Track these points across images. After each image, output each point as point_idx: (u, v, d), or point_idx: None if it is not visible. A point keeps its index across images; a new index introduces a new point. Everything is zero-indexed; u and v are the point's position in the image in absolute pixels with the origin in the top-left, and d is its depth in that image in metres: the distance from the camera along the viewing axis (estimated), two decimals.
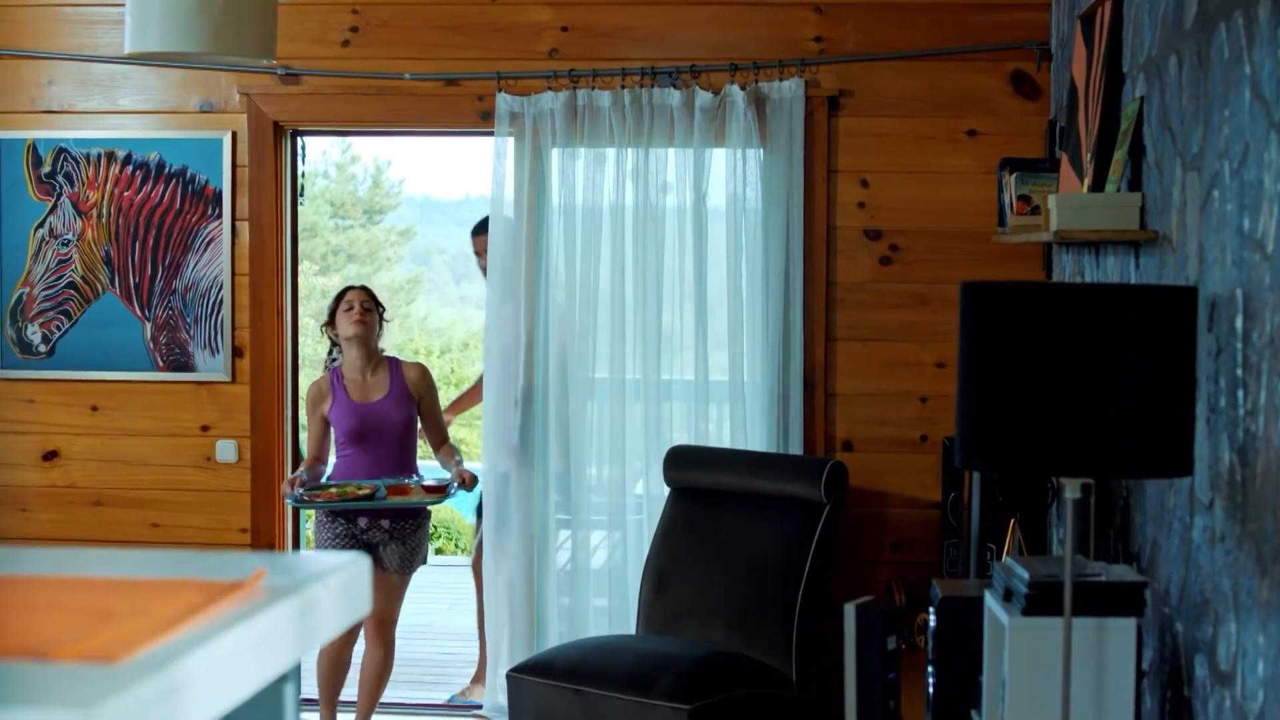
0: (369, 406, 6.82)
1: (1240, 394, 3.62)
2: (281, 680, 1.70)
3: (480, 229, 7.62)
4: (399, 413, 6.84)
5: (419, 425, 7.04)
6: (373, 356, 6.90)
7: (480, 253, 7.59)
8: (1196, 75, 4.06)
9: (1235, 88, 3.68)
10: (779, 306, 6.89)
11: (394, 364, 6.96)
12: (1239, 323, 3.63)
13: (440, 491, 6.76)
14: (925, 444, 6.89)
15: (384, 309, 7.04)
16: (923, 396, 6.90)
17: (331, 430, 6.92)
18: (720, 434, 7.04)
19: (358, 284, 7.17)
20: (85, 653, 1.39)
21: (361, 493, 6.65)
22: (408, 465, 6.93)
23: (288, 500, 6.75)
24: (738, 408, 6.97)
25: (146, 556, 1.90)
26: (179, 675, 1.37)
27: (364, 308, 6.86)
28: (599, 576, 7.19)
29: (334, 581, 1.76)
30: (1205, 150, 3.96)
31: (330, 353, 7.03)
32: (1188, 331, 3.67)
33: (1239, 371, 3.63)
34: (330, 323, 6.95)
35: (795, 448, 6.89)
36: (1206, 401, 3.91)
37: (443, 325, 26.93)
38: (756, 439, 6.94)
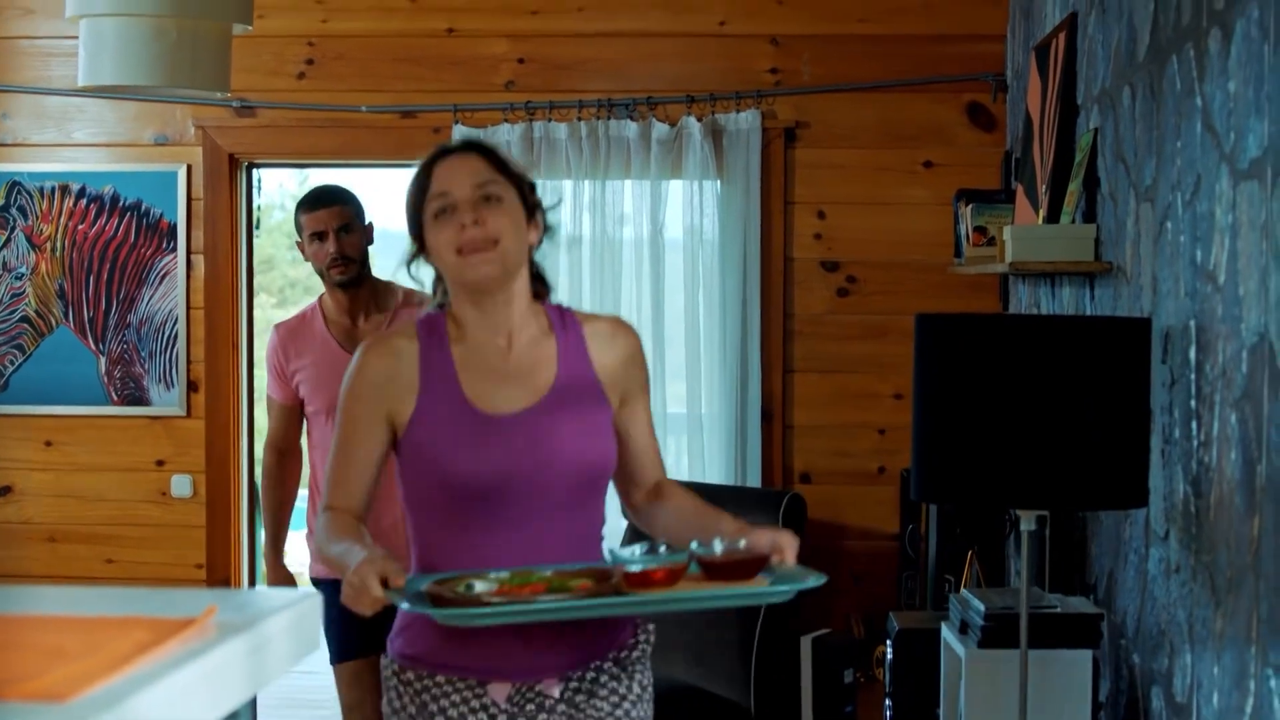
0: (512, 423, 3.27)
1: (1194, 425, 3.63)
2: (233, 717, 1.69)
3: (320, 200, 5.50)
4: (588, 444, 3.31)
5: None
6: (514, 307, 3.36)
7: (323, 234, 5.42)
8: (1149, 107, 4.08)
9: (1187, 119, 3.70)
10: (736, 338, 6.89)
11: (566, 321, 3.42)
12: (1192, 354, 3.64)
13: (754, 567, 3.10)
14: (883, 476, 6.89)
15: (532, 184, 3.42)
16: (881, 428, 6.91)
17: (397, 468, 3.37)
18: (678, 466, 7.03)
19: (462, 143, 3.47)
20: (36, 691, 1.38)
21: (570, 585, 3.00)
22: (588, 550, 3.32)
23: (403, 605, 2.99)
24: (695, 440, 6.96)
25: (98, 594, 1.89)
26: (129, 713, 1.36)
27: (484, 194, 3.29)
28: None
29: (285, 618, 1.76)
30: (1158, 182, 3.98)
31: (435, 289, 3.44)
32: (1141, 363, 3.69)
33: (1193, 403, 3.65)
34: (418, 243, 3.37)
35: (753, 480, 6.88)
36: (1161, 433, 3.92)
37: None
38: (714, 471, 6.93)
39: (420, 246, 3.36)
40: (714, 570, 3.06)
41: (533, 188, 3.40)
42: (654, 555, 3.06)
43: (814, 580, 3.09)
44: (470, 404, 3.27)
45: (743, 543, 3.08)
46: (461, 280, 3.29)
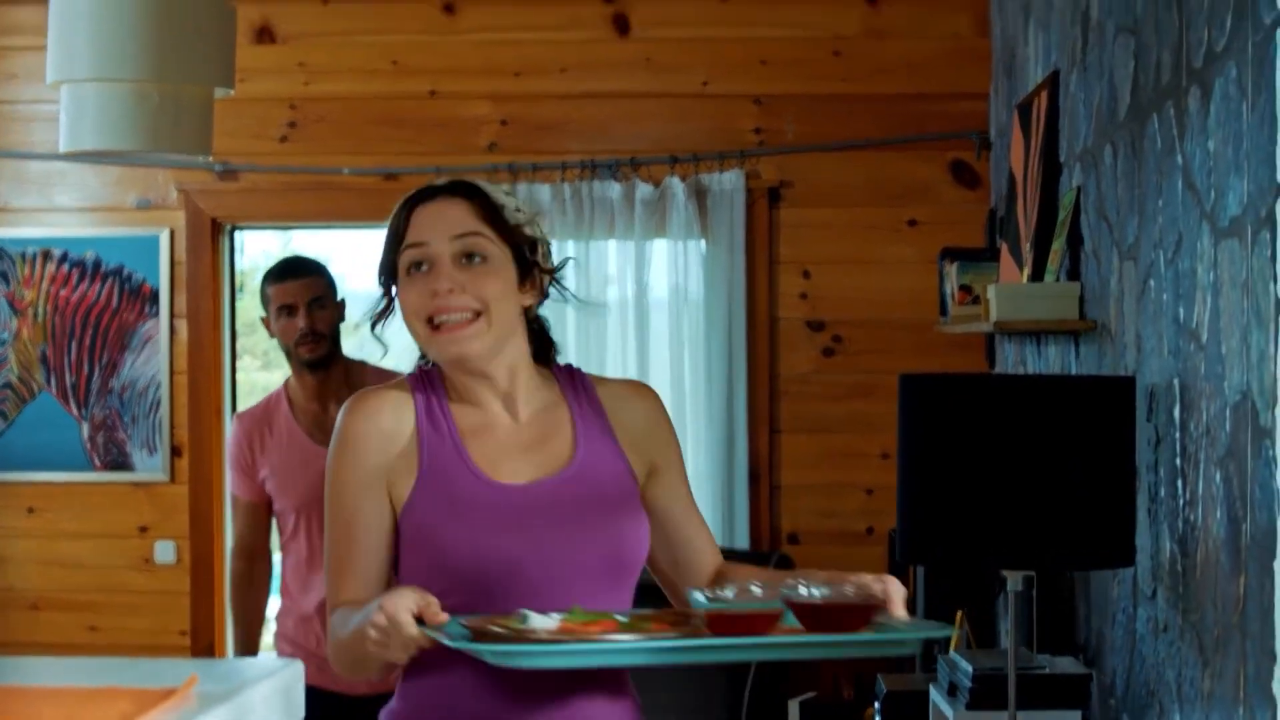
0: (531, 494, 2.81)
1: (1180, 484, 3.62)
2: None
3: (290, 271, 5.15)
4: (619, 522, 2.86)
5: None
6: (513, 377, 2.89)
7: (292, 307, 5.03)
8: (1131, 165, 4.09)
9: (1168, 178, 3.70)
10: (723, 398, 6.88)
11: (578, 386, 2.98)
12: (1176, 412, 3.64)
13: (864, 615, 2.63)
14: (871, 536, 6.86)
15: (533, 240, 2.92)
16: (868, 488, 6.88)
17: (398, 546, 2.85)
18: None
19: (450, 183, 2.93)
20: None
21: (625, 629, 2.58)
22: None
23: (446, 641, 2.52)
24: None
25: (79, 665, 1.88)
26: None
27: (465, 250, 2.83)
28: None
29: (267, 687, 1.74)
30: (1141, 240, 3.98)
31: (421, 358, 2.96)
32: (1126, 422, 3.67)
33: (1178, 461, 3.63)
34: (385, 308, 2.93)
35: (741, 541, 6.86)
36: (1147, 491, 3.91)
37: None
38: None
39: (392, 300, 2.90)
40: (815, 617, 2.58)
41: (533, 245, 2.90)
42: (744, 600, 2.59)
43: (940, 630, 2.69)
44: (480, 471, 2.79)
45: (850, 589, 2.60)
46: (433, 358, 2.86)
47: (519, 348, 2.91)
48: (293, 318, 5.01)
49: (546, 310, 3.06)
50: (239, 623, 5.26)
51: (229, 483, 5.17)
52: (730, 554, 6.45)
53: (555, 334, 3.08)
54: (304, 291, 5.04)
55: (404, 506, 2.78)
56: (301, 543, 4.98)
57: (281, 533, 5.09)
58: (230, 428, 5.20)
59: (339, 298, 5.14)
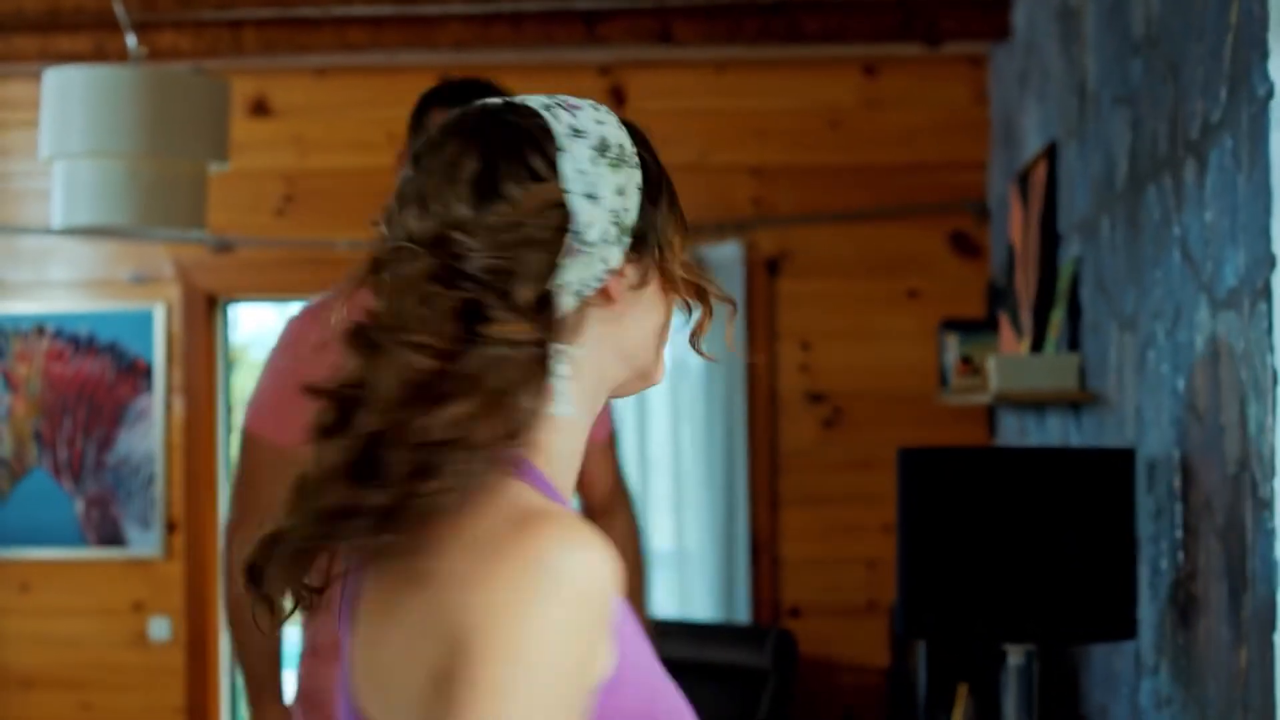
0: None
1: (1181, 556, 3.58)
2: None
3: (470, 93, 3.58)
4: None
5: None
6: None
7: None
8: (1129, 236, 4.06)
9: (1165, 249, 3.67)
10: (723, 471, 6.83)
11: None
12: (1177, 484, 3.59)
13: None
14: (873, 609, 6.80)
15: None
16: (870, 561, 6.83)
17: None
18: (663, 603, 6.95)
19: None
20: None
21: None
22: None
23: None
24: (683, 574, 6.88)
25: None
26: None
27: None
28: None
29: None
30: (1139, 311, 3.94)
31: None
32: (1127, 494, 3.63)
33: (1179, 533, 3.59)
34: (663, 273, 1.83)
35: (742, 615, 6.80)
36: (1149, 564, 3.86)
37: None
38: (701, 607, 6.85)
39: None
40: None
41: None
42: None
43: None
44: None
45: None
46: (647, 385, 1.90)
47: None
48: None
49: None
50: (250, 651, 3.71)
51: (250, 418, 3.64)
52: (732, 628, 6.41)
53: None
54: None
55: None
56: None
57: None
58: (284, 327, 3.74)
59: None
